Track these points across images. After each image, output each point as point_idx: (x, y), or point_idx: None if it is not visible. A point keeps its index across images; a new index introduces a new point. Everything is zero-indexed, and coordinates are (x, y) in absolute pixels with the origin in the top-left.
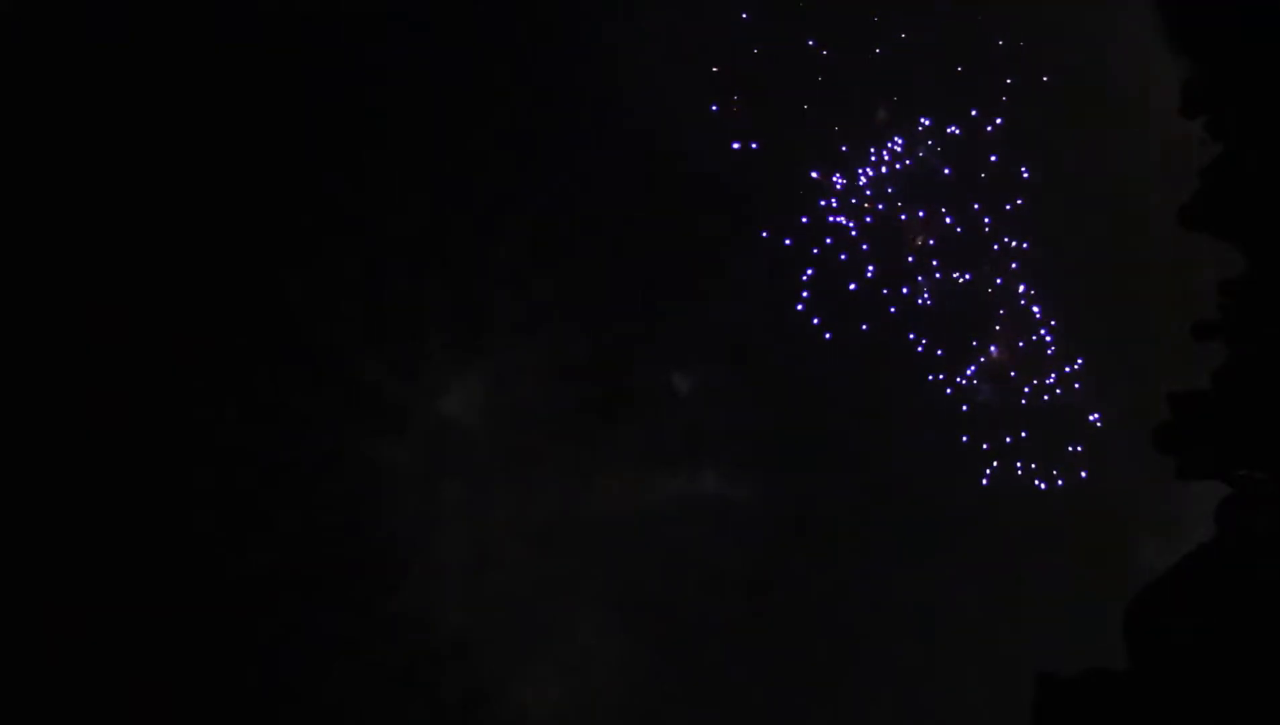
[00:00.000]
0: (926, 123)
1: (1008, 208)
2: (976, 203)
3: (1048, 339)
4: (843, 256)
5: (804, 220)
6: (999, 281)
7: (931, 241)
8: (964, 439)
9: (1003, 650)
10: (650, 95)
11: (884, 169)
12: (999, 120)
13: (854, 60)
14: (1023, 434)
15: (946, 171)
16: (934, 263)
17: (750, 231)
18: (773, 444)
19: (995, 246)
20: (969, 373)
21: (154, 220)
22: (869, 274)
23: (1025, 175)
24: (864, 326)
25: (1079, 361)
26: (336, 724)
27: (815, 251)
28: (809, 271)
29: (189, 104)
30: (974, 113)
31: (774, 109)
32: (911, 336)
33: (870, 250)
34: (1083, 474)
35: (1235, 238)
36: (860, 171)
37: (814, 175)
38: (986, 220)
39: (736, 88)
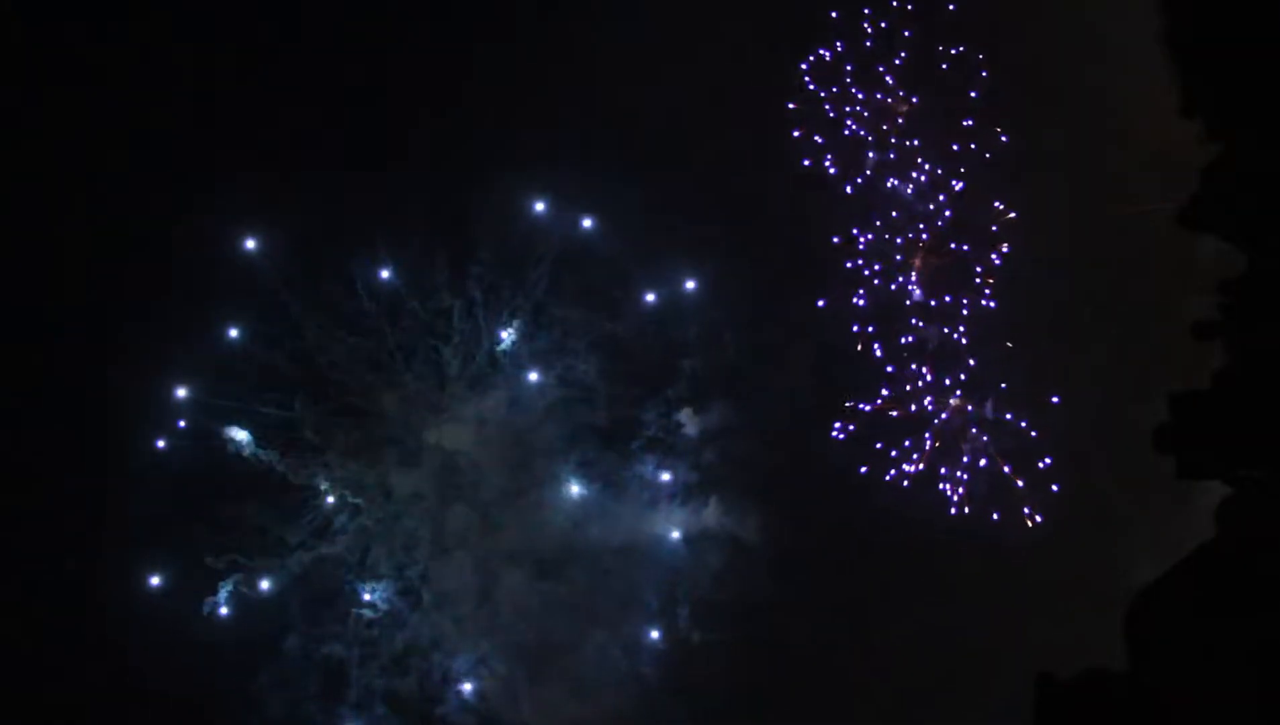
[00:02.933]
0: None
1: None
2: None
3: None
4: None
5: (809, 255)
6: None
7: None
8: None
9: (1002, 651)
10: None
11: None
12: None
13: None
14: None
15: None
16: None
17: (754, 268)
18: (775, 478)
19: (995, 257)
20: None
21: None
22: (870, 311)
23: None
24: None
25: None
26: None
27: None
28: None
29: None
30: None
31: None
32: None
33: (872, 285)
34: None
35: (1235, 238)
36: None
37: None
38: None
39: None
